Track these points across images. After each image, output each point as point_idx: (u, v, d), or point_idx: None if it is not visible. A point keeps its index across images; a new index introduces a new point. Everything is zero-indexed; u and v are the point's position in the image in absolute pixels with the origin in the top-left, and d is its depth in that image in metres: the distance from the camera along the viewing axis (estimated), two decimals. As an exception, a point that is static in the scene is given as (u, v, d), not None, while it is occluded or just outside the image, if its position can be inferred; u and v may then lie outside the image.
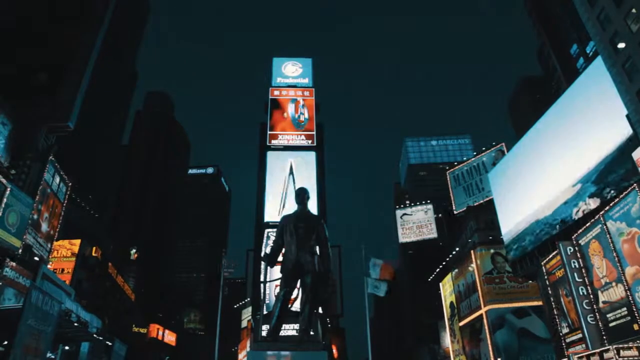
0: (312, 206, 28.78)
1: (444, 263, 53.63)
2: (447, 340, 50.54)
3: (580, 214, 28.64)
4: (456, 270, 46.38)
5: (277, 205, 34.48)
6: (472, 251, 41.44)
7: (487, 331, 37.65)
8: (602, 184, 26.92)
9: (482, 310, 38.58)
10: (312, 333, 8.79)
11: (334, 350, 38.94)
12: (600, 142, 26.66)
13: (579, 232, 25.55)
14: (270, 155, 37.61)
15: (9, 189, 22.96)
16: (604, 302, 23.04)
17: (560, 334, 27.60)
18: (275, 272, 9.09)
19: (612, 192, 25.51)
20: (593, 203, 28.30)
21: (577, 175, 29.13)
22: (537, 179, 32.88)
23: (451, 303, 48.08)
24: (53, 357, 24.14)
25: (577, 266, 25.09)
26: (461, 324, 44.40)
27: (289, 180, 35.56)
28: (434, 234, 69.42)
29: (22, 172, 25.90)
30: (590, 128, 27.81)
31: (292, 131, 39.11)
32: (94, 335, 25.05)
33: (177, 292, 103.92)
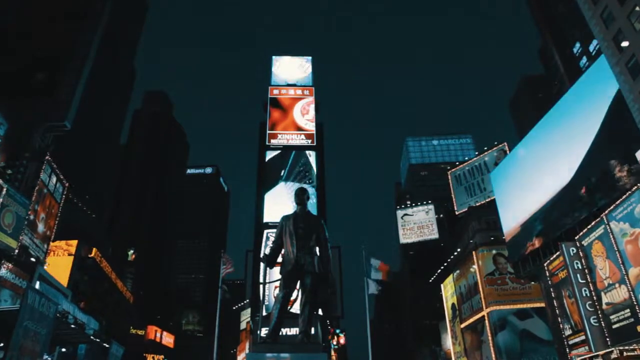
0: (312, 206, 28.56)
1: (445, 264, 53.29)
2: (448, 341, 50.21)
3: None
4: (457, 271, 46.08)
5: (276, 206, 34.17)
6: (473, 252, 41.14)
7: (488, 333, 37.35)
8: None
9: (484, 312, 38.28)
10: (312, 334, 8.56)
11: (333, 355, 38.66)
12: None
13: (581, 232, 25.29)
14: (270, 155, 37.32)
15: (5, 189, 22.72)
16: (607, 304, 22.81)
17: (563, 336, 27.36)
18: (275, 273, 8.96)
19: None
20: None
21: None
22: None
23: (452, 304, 47.76)
24: (50, 359, 23.82)
25: (580, 267, 24.86)
26: (463, 325, 44.07)
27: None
28: (435, 235, 69.05)
29: (18, 172, 25.65)
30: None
31: (292, 130, 38.82)
32: (91, 337, 24.74)
33: (176, 293, 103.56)
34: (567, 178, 28.05)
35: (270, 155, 37.37)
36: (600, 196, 24.71)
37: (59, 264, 35.06)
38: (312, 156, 37.26)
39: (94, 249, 44.77)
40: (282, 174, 36.06)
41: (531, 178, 32.89)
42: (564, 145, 28.84)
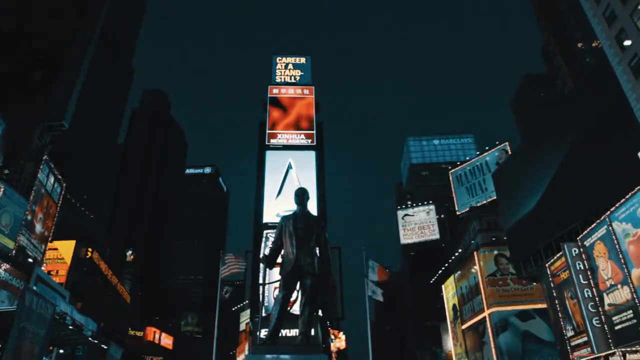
0: (312, 206, 28.35)
1: (446, 265, 53.09)
2: (449, 343, 49.95)
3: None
4: (459, 272, 45.83)
5: (275, 206, 33.92)
6: (475, 253, 40.90)
7: (490, 334, 37.12)
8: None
9: (486, 313, 38.06)
10: (312, 335, 8.44)
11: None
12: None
13: (584, 233, 25.07)
14: (269, 155, 37.08)
15: (2, 189, 22.54)
16: (609, 305, 22.60)
17: (565, 337, 27.15)
18: (275, 274, 8.89)
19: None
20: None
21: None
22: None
23: (454, 305, 47.50)
24: (47, 360, 23.58)
25: (582, 268, 24.62)
26: (464, 326, 43.81)
27: (288, 180, 35.02)
28: (436, 235, 68.86)
29: (15, 172, 25.46)
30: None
31: (292, 130, 38.61)
32: (89, 339, 24.52)
33: (174, 294, 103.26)
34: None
35: (269, 155, 37.15)
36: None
37: (57, 264, 34.85)
38: (311, 156, 37.09)
39: (92, 250, 44.48)
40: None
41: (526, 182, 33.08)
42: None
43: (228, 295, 31.23)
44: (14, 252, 23.48)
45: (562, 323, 27.66)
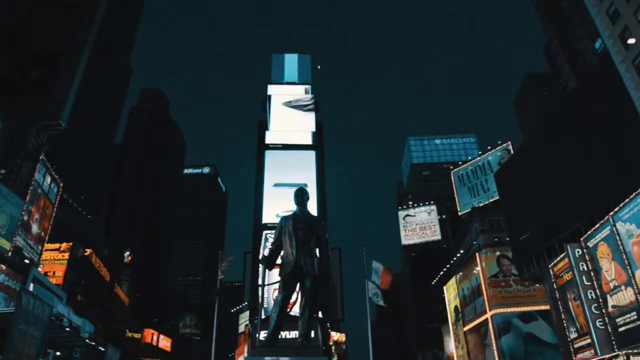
0: (312, 207, 28.05)
1: (447, 266, 52.82)
2: (451, 345, 49.68)
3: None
4: (460, 273, 45.59)
5: (275, 206, 33.60)
6: (477, 253, 40.68)
7: (492, 336, 36.90)
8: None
9: (488, 315, 37.84)
10: (311, 337, 8.25)
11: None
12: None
13: (587, 233, 24.82)
14: (269, 155, 36.78)
15: (-2, 189, 22.22)
16: (613, 306, 22.42)
17: (568, 339, 26.98)
18: (274, 275, 8.76)
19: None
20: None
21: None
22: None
23: (455, 307, 47.26)
24: (44, 363, 23.24)
25: (585, 269, 24.41)
26: (466, 328, 43.58)
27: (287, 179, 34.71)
28: (437, 236, 68.48)
29: (12, 172, 25.19)
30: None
31: (291, 129, 38.21)
32: (86, 341, 24.20)
33: (173, 295, 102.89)
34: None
35: (269, 155, 36.85)
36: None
37: (54, 265, 34.52)
38: (311, 156, 36.81)
39: (90, 251, 44.14)
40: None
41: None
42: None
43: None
44: (10, 253, 23.19)
45: (565, 325, 27.44)
